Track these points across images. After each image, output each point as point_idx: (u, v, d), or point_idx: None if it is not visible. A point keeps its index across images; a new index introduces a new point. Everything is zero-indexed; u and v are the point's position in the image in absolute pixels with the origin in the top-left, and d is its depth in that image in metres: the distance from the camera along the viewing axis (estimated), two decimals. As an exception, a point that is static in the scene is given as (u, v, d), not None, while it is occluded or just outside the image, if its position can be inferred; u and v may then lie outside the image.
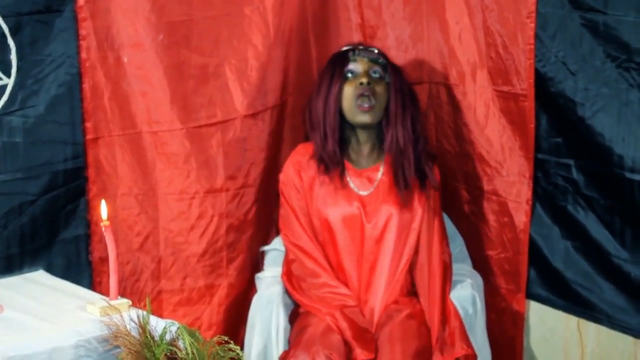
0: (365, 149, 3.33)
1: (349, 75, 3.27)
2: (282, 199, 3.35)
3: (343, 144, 3.32)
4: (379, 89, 3.25)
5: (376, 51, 3.33)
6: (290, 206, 3.32)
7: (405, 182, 3.27)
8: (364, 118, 3.24)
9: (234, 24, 3.43)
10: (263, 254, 3.57)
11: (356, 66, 3.27)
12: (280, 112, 3.57)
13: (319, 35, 3.67)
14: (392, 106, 3.27)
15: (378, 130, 3.31)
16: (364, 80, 3.23)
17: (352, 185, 3.30)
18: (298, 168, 3.32)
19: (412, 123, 3.29)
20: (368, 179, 3.31)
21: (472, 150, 3.56)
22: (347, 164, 3.32)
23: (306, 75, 3.63)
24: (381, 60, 3.30)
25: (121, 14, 3.23)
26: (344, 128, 3.32)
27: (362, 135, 3.31)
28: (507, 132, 3.46)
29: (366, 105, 3.23)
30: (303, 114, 3.38)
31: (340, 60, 3.30)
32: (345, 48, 3.36)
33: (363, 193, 3.30)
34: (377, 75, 3.27)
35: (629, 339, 3.26)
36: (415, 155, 3.29)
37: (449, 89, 3.61)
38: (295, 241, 3.31)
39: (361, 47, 3.34)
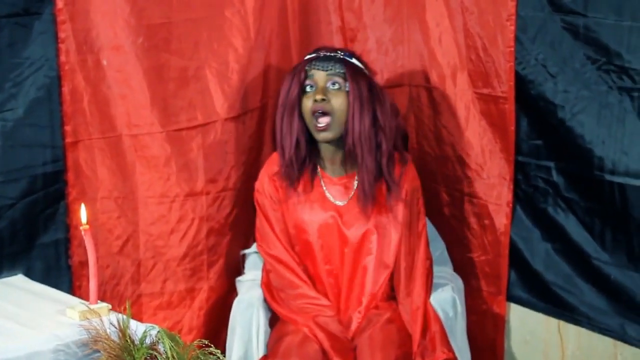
0: (338, 157, 3.28)
1: (308, 89, 3.21)
2: (257, 209, 3.33)
3: (317, 152, 3.29)
4: (336, 101, 3.18)
5: (338, 56, 3.24)
6: (265, 216, 3.30)
7: (364, 193, 3.22)
8: (323, 135, 3.19)
9: (215, 26, 3.42)
10: (244, 257, 3.56)
11: (313, 80, 3.20)
12: (261, 114, 3.56)
13: (299, 37, 3.67)
14: (349, 117, 3.19)
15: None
16: (318, 97, 3.16)
17: (328, 194, 3.27)
18: (273, 177, 3.29)
19: (372, 127, 3.21)
20: (345, 187, 3.28)
21: (452, 153, 3.56)
22: (323, 173, 3.29)
23: (287, 78, 3.63)
24: (339, 69, 3.21)
25: (100, 17, 3.22)
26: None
27: (330, 147, 3.26)
28: (487, 134, 3.46)
29: (322, 125, 3.17)
30: (274, 133, 3.35)
31: (297, 73, 3.22)
32: (307, 56, 3.28)
33: (339, 203, 3.27)
34: (335, 87, 3.19)
35: (609, 341, 3.27)
36: (376, 163, 3.22)
37: (430, 92, 3.61)
38: (271, 252, 3.29)
39: (322, 55, 3.24)
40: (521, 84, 3.32)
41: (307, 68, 3.22)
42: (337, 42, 3.70)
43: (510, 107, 3.36)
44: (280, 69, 3.58)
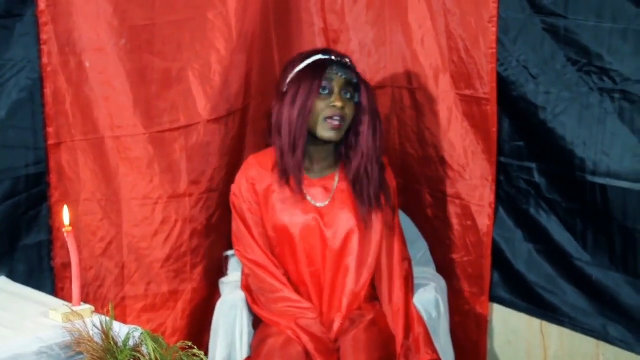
0: (321, 158, 3.29)
1: (322, 91, 3.20)
2: (233, 212, 3.32)
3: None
4: (349, 110, 3.20)
5: (350, 67, 3.26)
6: (242, 219, 3.29)
7: (369, 199, 3.24)
8: (331, 135, 3.19)
9: (197, 28, 3.42)
10: (227, 258, 3.56)
11: (331, 84, 3.20)
12: (243, 116, 3.56)
13: (282, 39, 3.67)
14: (363, 129, 3.22)
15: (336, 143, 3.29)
16: (339, 104, 3.17)
17: (308, 197, 3.27)
18: (251, 181, 3.28)
19: (380, 146, 3.26)
20: (324, 188, 3.28)
21: (435, 154, 3.57)
22: (304, 175, 3.29)
23: (269, 80, 3.63)
24: (355, 80, 3.24)
25: (83, 19, 3.21)
26: None
27: (320, 147, 3.26)
28: (469, 135, 3.47)
29: (335, 123, 3.18)
30: (268, 118, 3.35)
31: (319, 73, 3.21)
32: (321, 57, 3.26)
33: (319, 204, 3.27)
34: (348, 96, 3.21)
35: (591, 341, 3.28)
36: (379, 174, 3.26)
37: (412, 93, 3.62)
38: (249, 255, 3.28)
39: (338, 60, 3.25)
40: (503, 85, 3.34)
41: (327, 71, 3.21)
42: (320, 43, 3.71)
43: (492, 108, 3.37)
44: (263, 70, 3.58)
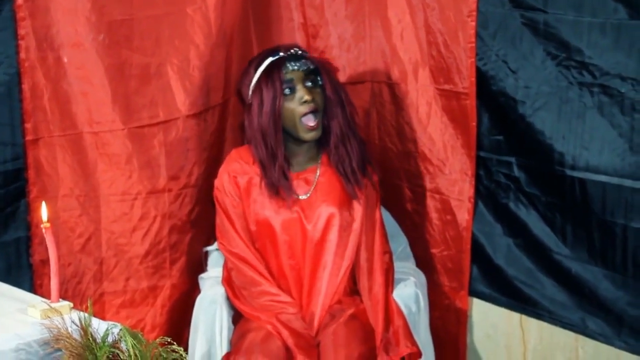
0: (302, 152, 3.29)
1: (287, 91, 3.21)
2: (217, 206, 3.32)
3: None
4: (318, 98, 3.21)
5: (306, 57, 3.26)
6: (226, 213, 3.29)
7: (354, 174, 3.25)
8: (312, 135, 3.21)
9: (176, 23, 3.41)
10: (206, 254, 3.56)
11: (292, 82, 3.20)
12: (223, 111, 3.56)
13: (261, 34, 3.67)
14: (331, 108, 3.23)
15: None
16: (308, 97, 3.18)
17: (287, 193, 3.27)
18: (234, 174, 3.28)
19: (351, 117, 3.27)
20: (305, 181, 3.28)
21: (414, 149, 3.57)
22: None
23: (248, 75, 3.62)
24: (311, 66, 3.24)
25: (61, 14, 3.20)
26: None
27: (301, 143, 3.27)
28: (449, 130, 3.48)
29: (312, 124, 3.19)
30: (241, 123, 3.34)
31: (276, 76, 3.20)
32: (271, 59, 3.25)
33: (302, 197, 3.27)
34: (311, 85, 3.21)
35: (570, 335, 3.29)
36: (359, 146, 3.28)
37: (391, 88, 3.62)
38: (232, 249, 3.28)
39: (289, 54, 3.24)
40: (482, 79, 3.34)
41: (283, 71, 3.21)
42: (299, 38, 3.71)
43: (471, 102, 3.37)
44: (242, 65, 3.57)
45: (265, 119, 3.20)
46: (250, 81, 3.25)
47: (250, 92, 3.25)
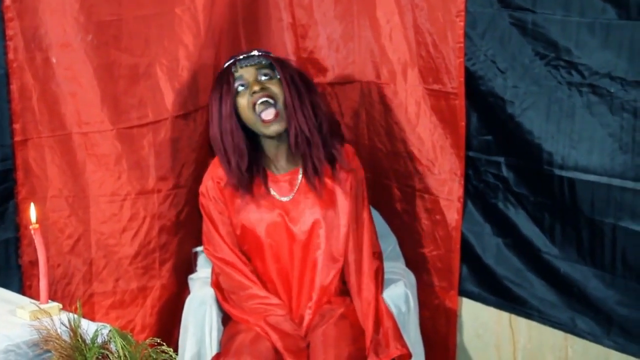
0: (282, 153, 3.28)
1: (240, 88, 3.21)
2: (202, 213, 3.31)
3: (259, 151, 3.28)
4: (275, 88, 3.20)
5: (256, 54, 3.26)
6: (210, 219, 3.28)
7: (315, 170, 3.22)
8: (273, 128, 3.19)
9: (165, 23, 3.41)
10: (196, 254, 3.55)
11: (243, 79, 3.21)
12: (212, 112, 3.55)
13: (250, 34, 3.66)
14: (287, 99, 3.20)
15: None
16: (256, 87, 3.17)
17: (273, 192, 3.26)
18: (217, 180, 3.27)
19: (312, 108, 3.23)
20: (289, 183, 3.27)
21: (403, 149, 3.58)
22: (267, 171, 3.28)
23: (237, 75, 3.62)
24: (265, 61, 3.24)
25: (49, 14, 3.19)
26: (255, 136, 3.27)
27: (274, 142, 3.25)
28: (438, 130, 3.48)
29: (271, 116, 3.18)
30: (215, 149, 3.34)
31: (224, 78, 3.23)
32: (226, 64, 3.28)
33: (284, 199, 3.26)
34: (267, 77, 3.21)
35: (559, 334, 3.30)
36: (322, 139, 3.24)
37: (380, 88, 3.62)
38: (218, 254, 3.27)
39: (241, 57, 3.26)
40: (471, 79, 3.34)
41: (233, 70, 3.22)
42: (288, 38, 3.71)
43: (460, 102, 3.38)
44: (231, 66, 3.57)
45: (216, 124, 3.21)
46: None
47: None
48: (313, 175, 3.23)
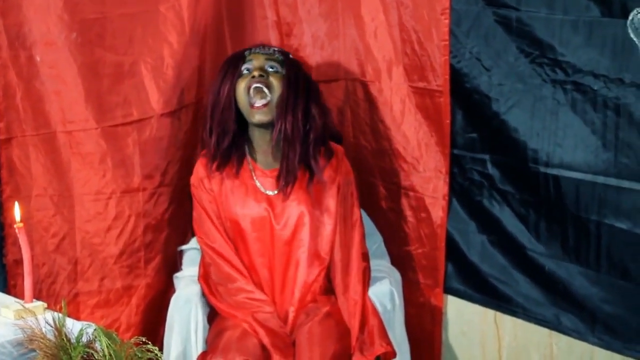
0: (269, 148, 3.27)
1: (245, 72, 3.22)
2: (194, 201, 3.31)
3: (249, 144, 3.29)
4: (275, 81, 3.20)
5: (275, 48, 3.30)
6: (203, 208, 3.28)
7: (286, 171, 3.21)
8: (260, 117, 3.19)
9: (149, 21, 3.40)
10: (181, 253, 3.55)
11: (251, 64, 3.22)
12: (197, 110, 3.55)
13: (234, 32, 3.66)
14: (283, 95, 3.20)
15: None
16: (256, 73, 3.18)
17: (259, 185, 3.27)
18: (207, 171, 3.27)
19: (304, 115, 3.21)
20: (275, 179, 3.26)
21: (388, 147, 3.58)
22: (254, 165, 3.28)
23: (222, 73, 3.62)
24: (278, 56, 3.26)
25: (33, 12, 3.18)
26: (247, 128, 3.28)
27: (264, 134, 3.25)
28: (423, 128, 3.48)
29: (260, 104, 3.18)
30: (203, 118, 3.34)
31: (234, 59, 3.25)
32: (240, 50, 3.31)
33: (270, 193, 3.27)
34: (273, 70, 3.22)
35: (544, 331, 3.31)
36: (303, 147, 3.22)
37: (365, 86, 3.62)
38: (211, 244, 3.27)
39: (260, 45, 3.30)
40: (456, 77, 3.35)
41: (245, 54, 3.23)
42: (273, 36, 3.70)
43: (445, 100, 3.38)
44: (216, 64, 3.56)
45: (214, 93, 3.23)
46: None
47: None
48: (285, 175, 3.22)
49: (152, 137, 3.43)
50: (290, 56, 3.33)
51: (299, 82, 3.24)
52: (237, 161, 3.25)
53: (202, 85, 3.54)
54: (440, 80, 3.38)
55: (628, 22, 2.85)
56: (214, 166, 3.23)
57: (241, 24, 3.68)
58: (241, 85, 3.20)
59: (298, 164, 3.21)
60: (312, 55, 3.68)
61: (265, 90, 3.18)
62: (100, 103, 3.33)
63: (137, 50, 3.39)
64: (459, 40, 3.32)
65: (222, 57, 3.57)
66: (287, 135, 3.20)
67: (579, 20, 2.98)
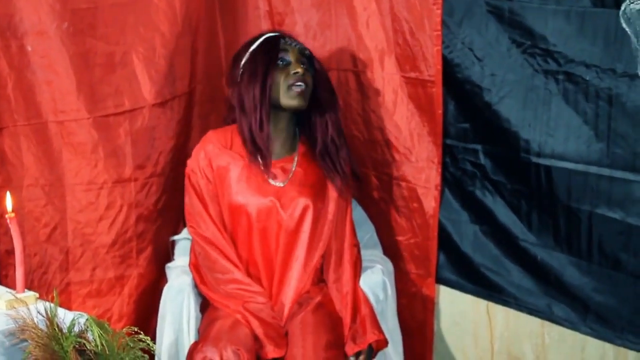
0: (281, 138, 3.26)
1: (280, 63, 3.20)
2: (188, 188, 3.27)
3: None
4: (308, 79, 3.20)
5: (302, 44, 3.30)
6: (199, 195, 3.25)
7: (343, 171, 3.25)
8: (296, 102, 3.16)
9: (141, 11, 3.39)
10: (173, 243, 3.55)
11: (287, 55, 3.20)
12: (189, 100, 3.54)
13: (226, 22, 3.65)
14: (322, 94, 3.23)
15: (295, 120, 3.28)
16: (299, 70, 3.17)
17: (267, 176, 3.26)
18: (209, 156, 3.24)
19: (335, 117, 3.28)
20: (282, 169, 3.26)
21: (380, 137, 3.58)
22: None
23: (214, 63, 3.61)
24: (307, 51, 3.26)
25: (24, 1, 3.17)
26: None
27: (282, 123, 3.24)
28: (415, 118, 3.48)
29: (299, 89, 3.16)
30: (227, 99, 3.31)
31: (273, 47, 3.22)
32: (271, 34, 3.27)
33: (278, 184, 3.26)
34: (304, 67, 3.21)
35: (536, 321, 3.32)
36: (345, 143, 3.30)
37: (357, 76, 3.62)
38: (203, 233, 3.25)
39: (289, 36, 3.29)
40: (448, 67, 3.35)
41: (282, 45, 3.21)
42: (265, 26, 3.70)
43: (437, 90, 3.38)
44: (208, 54, 3.56)
45: (258, 85, 3.17)
46: (245, 55, 3.24)
47: (242, 64, 3.23)
48: (342, 176, 3.27)
49: (144, 127, 3.42)
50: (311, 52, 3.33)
51: (330, 80, 3.32)
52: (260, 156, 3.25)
53: (195, 75, 3.54)
54: (432, 71, 3.38)
55: (620, 12, 2.86)
56: (260, 155, 3.21)
57: (233, 14, 3.68)
58: (279, 78, 3.18)
59: (347, 159, 3.29)
60: (305, 45, 3.67)
61: (305, 87, 3.19)
62: (92, 93, 3.32)
63: (129, 40, 3.38)
64: (451, 30, 3.32)
65: (214, 47, 3.57)
66: (332, 134, 3.25)
67: (571, 11, 2.98)
